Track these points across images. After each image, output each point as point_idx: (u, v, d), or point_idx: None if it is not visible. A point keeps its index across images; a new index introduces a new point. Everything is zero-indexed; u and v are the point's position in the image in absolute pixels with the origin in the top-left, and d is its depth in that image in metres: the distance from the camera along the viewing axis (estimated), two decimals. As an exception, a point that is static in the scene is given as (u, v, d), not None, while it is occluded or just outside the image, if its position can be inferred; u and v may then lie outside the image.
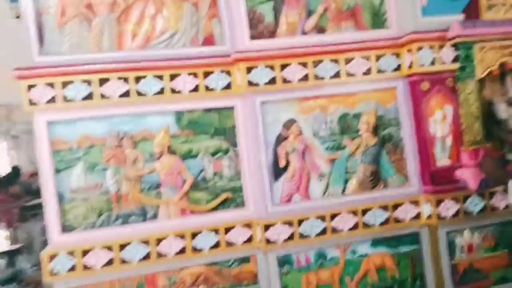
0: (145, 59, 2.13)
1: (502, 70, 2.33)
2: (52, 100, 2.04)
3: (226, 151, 2.25)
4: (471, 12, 2.34)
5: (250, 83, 2.15)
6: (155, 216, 2.16)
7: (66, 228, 2.07)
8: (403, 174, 2.35)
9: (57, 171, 2.06)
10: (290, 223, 2.18)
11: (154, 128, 2.17)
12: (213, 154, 2.24)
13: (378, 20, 2.34)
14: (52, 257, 2.02)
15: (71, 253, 2.04)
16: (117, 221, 2.13)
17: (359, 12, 2.32)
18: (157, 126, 2.18)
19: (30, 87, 2.02)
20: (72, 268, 2.04)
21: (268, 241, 2.16)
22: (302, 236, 2.19)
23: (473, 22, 2.25)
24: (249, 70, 2.15)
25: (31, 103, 2.02)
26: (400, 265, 2.34)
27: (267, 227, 2.16)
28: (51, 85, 2.04)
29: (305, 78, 2.22)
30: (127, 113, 2.14)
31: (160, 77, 2.14)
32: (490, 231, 2.38)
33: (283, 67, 2.19)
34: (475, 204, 2.30)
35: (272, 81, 2.18)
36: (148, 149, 2.17)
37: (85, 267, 2.05)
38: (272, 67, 2.18)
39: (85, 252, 2.05)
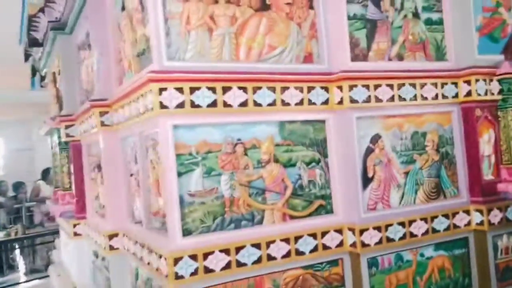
0: (260, 71, 2.26)
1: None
2: (180, 105, 2.07)
3: (318, 161, 2.43)
4: (506, 53, 2.82)
5: (352, 100, 2.37)
6: (261, 221, 2.26)
7: (184, 232, 2.09)
8: (456, 186, 2.71)
9: (178, 174, 2.09)
10: (378, 229, 2.41)
11: (261, 136, 2.29)
12: (308, 163, 2.40)
13: (439, 53, 2.71)
14: (177, 260, 2.03)
15: (193, 257, 2.06)
16: (230, 225, 2.19)
17: (428, 45, 2.67)
18: (263, 135, 2.30)
19: (161, 90, 2.04)
20: (195, 272, 2.06)
21: (363, 245, 2.37)
22: (388, 240, 2.43)
23: (517, 62, 2.72)
24: (350, 88, 2.38)
25: (162, 106, 2.04)
26: (454, 266, 2.68)
27: (361, 232, 2.37)
28: (180, 90, 2.08)
29: (392, 98, 2.50)
30: (242, 121, 2.24)
31: (273, 89, 2.28)
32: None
33: (376, 87, 2.45)
34: (513, 212, 2.73)
35: (368, 99, 2.42)
36: (256, 157, 2.28)
37: (206, 270, 2.08)
38: (367, 87, 2.42)
39: (205, 256, 2.08)
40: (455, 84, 2.70)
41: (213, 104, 2.14)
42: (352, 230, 2.39)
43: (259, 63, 2.29)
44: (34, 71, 5.57)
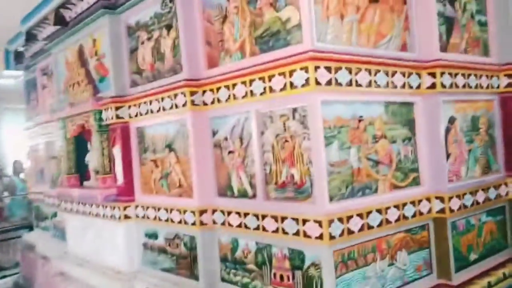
0: (379, 55, 2.54)
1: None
2: (328, 82, 2.28)
3: (409, 139, 2.77)
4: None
5: (442, 85, 2.75)
6: (376, 190, 2.54)
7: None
8: (497, 163, 3.23)
9: (323, 146, 2.30)
10: (458, 197, 2.82)
11: (374, 115, 2.57)
12: (403, 140, 2.74)
13: (485, 50, 3.20)
14: (330, 223, 2.23)
15: (340, 220, 2.28)
16: (359, 193, 2.44)
17: (480, 41, 3.15)
18: (375, 114, 2.58)
19: (316, 68, 2.23)
20: (341, 233, 2.28)
21: (450, 210, 2.75)
22: (464, 207, 2.85)
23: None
24: (441, 74, 2.75)
25: (317, 82, 2.23)
26: (498, 229, 3.19)
27: (448, 199, 2.75)
28: (328, 68, 2.29)
29: (464, 86, 2.92)
30: (364, 100, 2.50)
31: (387, 73, 2.57)
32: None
33: (455, 75, 2.85)
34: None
35: (451, 85, 2.82)
36: (371, 133, 2.55)
37: (349, 232, 2.31)
38: (451, 74, 2.82)
39: (347, 219, 2.32)
40: (497, 77, 3.21)
41: (349, 83, 2.38)
42: (440, 198, 2.76)
43: (375, 49, 2.56)
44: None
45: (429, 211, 2.77)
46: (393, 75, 2.61)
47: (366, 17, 2.54)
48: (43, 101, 5.20)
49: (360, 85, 2.43)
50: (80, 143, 4.18)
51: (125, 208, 3.47)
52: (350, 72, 2.39)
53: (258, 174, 2.59)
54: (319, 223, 2.23)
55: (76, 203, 4.13)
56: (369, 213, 2.42)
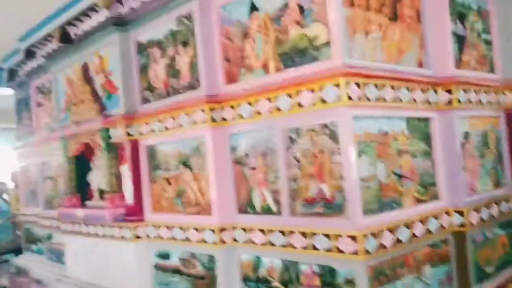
0: (400, 72, 2.59)
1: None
2: (358, 98, 2.31)
3: (427, 153, 2.82)
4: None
5: (459, 101, 2.82)
6: (402, 204, 2.57)
7: (360, 213, 2.31)
8: (505, 177, 3.31)
9: (354, 161, 2.31)
10: (476, 210, 2.87)
11: (397, 130, 2.61)
12: (422, 155, 2.78)
13: (491, 66, 3.31)
14: (364, 237, 2.23)
15: (372, 234, 2.28)
16: (387, 207, 2.46)
17: (487, 59, 3.26)
18: (398, 129, 2.62)
19: (347, 83, 2.26)
20: (374, 248, 2.28)
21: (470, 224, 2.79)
22: (482, 220, 2.90)
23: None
24: (457, 91, 2.82)
25: (349, 97, 2.26)
26: (509, 241, 3.25)
27: (461, 213, 2.79)
28: (358, 84, 2.32)
29: (476, 102, 3.00)
30: (389, 115, 2.54)
31: (408, 88, 2.63)
32: None
33: (468, 91, 2.93)
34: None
35: (465, 101, 2.89)
36: (395, 147, 2.58)
37: (381, 246, 2.32)
38: (465, 91, 2.89)
39: (378, 233, 2.32)
40: (503, 93, 3.31)
41: (377, 98, 2.42)
42: (459, 212, 2.80)
43: (397, 66, 2.62)
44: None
45: (449, 225, 2.80)
46: (413, 90, 2.65)
47: (387, 35, 2.60)
48: (38, 120, 5.08)
49: (385, 100, 2.47)
50: (80, 162, 4.09)
51: (135, 228, 3.39)
52: (377, 88, 2.42)
53: (284, 190, 2.58)
54: (354, 238, 2.23)
55: (78, 224, 4.01)
56: (397, 227, 2.43)
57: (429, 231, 2.64)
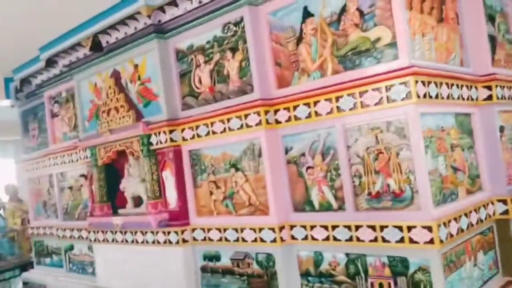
0: (451, 70, 2.76)
1: None
2: (424, 95, 2.45)
3: (471, 147, 2.99)
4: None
5: (497, 97, 3.01)
6: (457, 196, 2.72)
7: (429, 204, 2.44)
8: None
9: (422, 155, 2.45)
10: (515, 199, 3.06)
11: (449, 125, 2.77)
12: (468, 148, 2.95)
13: None
14: (439, 226, 2.37)
15: (444, 224, 2.42)
16: (448, 198, 2.61)
17: (512, 58, 3.48)
18: (450, 124, 2.78)
19: (415, 82, 2.40)
20: (446, 237, 2.42)
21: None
22: (522, 207, 3.10)
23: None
24: (495, 87, 3.01)
25: (418, 96, 2.40)
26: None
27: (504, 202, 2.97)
28: (423, 82, 2.46)
29: (509, 97, 3.20)
30: (444, 111, 2.70)
31: (457, 86, 2.79)
32: None
33: (504, 87, 3.13)
34: None
35: (502, 97, 3.08)
36: (449, 142, 2.74)
37: (450, 236, 2.46)
38: (501, 87, 3.09)
39: (448, 223, 2.46)
40: (527, 89, 3.53)
41: (436, 96, 2.57)
42: (502, 201, 2.97)
43: (447, 65, 2.78)
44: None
45: (493, 213, 2.97)
46: (461, 88, 2.82)
47: (437, 36, 2.76)
48: (53, 130, 5.02)
49: (442, 98, 2.62)
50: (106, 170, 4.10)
51: (182, 232, 3.43)
52: (437, 86, 2.57)
53: (347, 186, 2.69)
54: (429, 228, 2.35)
55: (112, 232, 4.00)
56: (460, 217, 2.58)
57: (480, 220, 2.80)
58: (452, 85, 2.74)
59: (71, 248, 4.90)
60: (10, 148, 11.93)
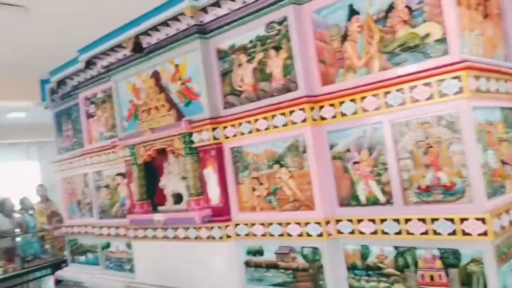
0: (496, 64, 2.78)
1: None
2: (476, 89, 2.49)
3: (513, 142, 3.01)
4: None
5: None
6: (505, 188, 2.74)
7: (481, 197, 2.48)
8: None
9: (473, 149, 2.48)
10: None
11: (496, 119, 2.79)
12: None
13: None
14: (492, 218, 2.40)
15: (497, 216, 2.45)
16: (498, 192, 2.63)
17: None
18: (497, 119, 2.80)
19: (467, 77, 2.44)
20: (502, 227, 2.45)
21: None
22: None
23: None
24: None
25: (470, 90, 2.43)
26: None
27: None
28: (474, 77, 2.50)
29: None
30: (488, 105, 2.72)
31: (504, 80, 2.82)
32: None
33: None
34: None
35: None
36: (496, 136, 2.77)
37: (501, 228, 2.48)
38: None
39: (498, 215, 2.49)
40: None
41: (486, 90, 2.60)
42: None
43: (491, 59, 2.81)
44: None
45: None
46: (507, 82, 2.85)
47: (484, 31, 2.79)
48: (89, 131, 5.12)
49: (491, 92, 2.65)
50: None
51: (225, 228, 3.50)
52: (486, 80, 2.60)
53: (395, 181, 2.73)
54: (482, 221, 2.39)
55: (152, 229, 4.08)
56: (509, 209, 2.61)
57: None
58: (499, 79, 2.76)
59: (108, 245, 5.00)
60: (34, 151, 12.13)
